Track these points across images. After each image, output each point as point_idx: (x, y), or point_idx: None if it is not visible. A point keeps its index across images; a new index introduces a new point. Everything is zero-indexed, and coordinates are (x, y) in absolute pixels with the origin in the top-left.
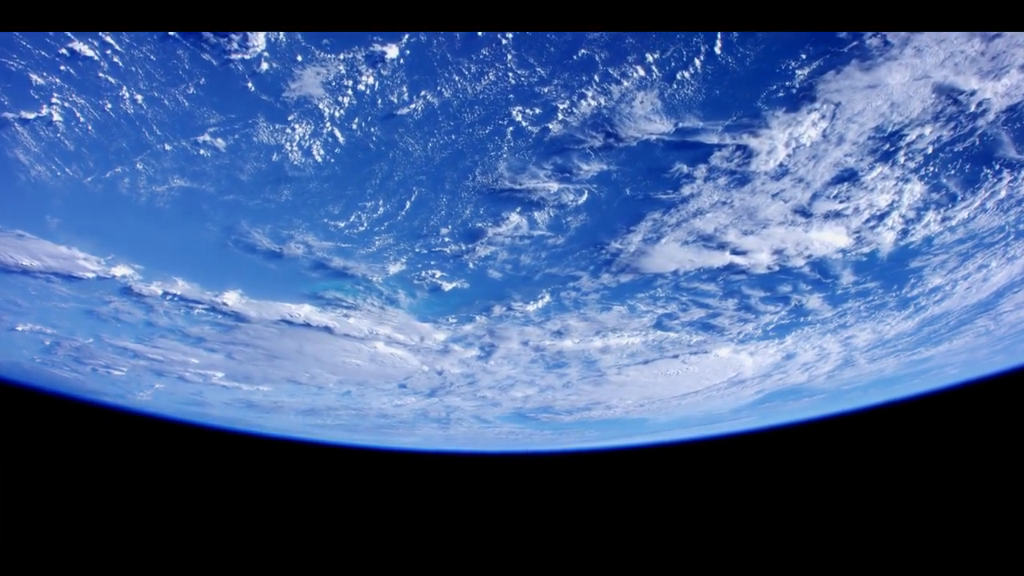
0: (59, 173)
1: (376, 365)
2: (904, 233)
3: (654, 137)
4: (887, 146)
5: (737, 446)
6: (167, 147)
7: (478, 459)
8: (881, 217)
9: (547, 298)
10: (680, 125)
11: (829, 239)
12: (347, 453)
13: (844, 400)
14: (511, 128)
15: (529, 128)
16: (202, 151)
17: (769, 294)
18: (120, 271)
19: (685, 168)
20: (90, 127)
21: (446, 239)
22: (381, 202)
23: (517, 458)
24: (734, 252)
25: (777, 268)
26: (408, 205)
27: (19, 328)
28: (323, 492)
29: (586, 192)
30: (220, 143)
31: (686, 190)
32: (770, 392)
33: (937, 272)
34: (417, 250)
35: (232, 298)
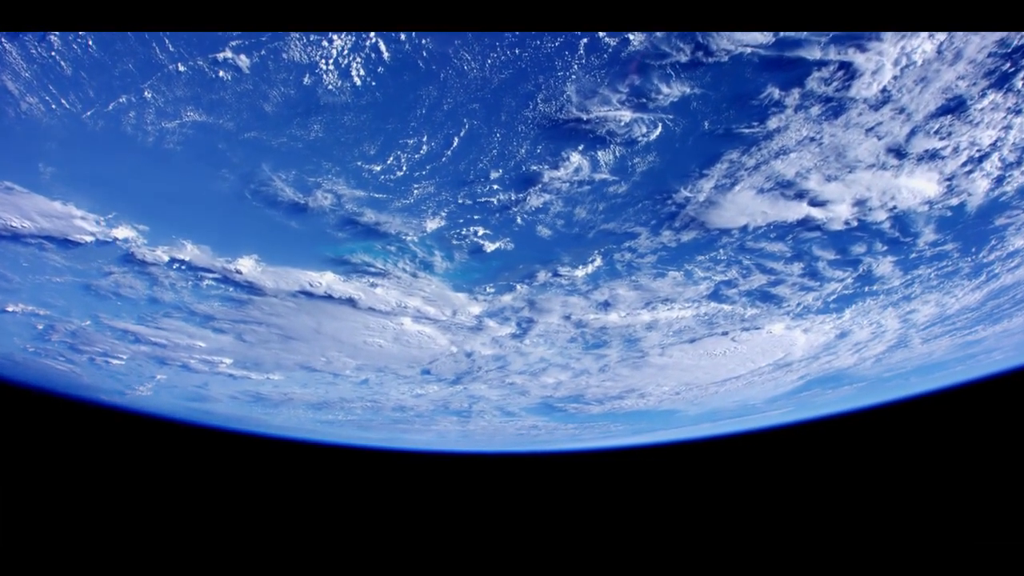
0: (54, 105)
1: (400, 346)
2: (999, 180)
3: (749, 50)
4: (1007, 65)
5: (767, 442)
6: (181, 68)
7: (493, 460)
8: (980, 159)
9: (598, 261)
10: (781, 33)
11: (919, 186)
12: (356, 454)
13: (884, 389)
14: (585, 39)
15: (606, 40)
16: (221, 72)
17: (839, 257)
18: (122, 233)
19: (776, 93)
20: (91, 42)
21: (495, 187)
22: (425, 138)
23: (534, 458)
24: (812, 203)
25: (855, 223)
26: (456, 142)
27: (9, 309)
28: (331, 497)
29: (660, 125)
30: (243, 61)
31: (773, 122)
32: (812, 378)
33: (1022, 232)
34: (460, 201)
35: (247, 265)
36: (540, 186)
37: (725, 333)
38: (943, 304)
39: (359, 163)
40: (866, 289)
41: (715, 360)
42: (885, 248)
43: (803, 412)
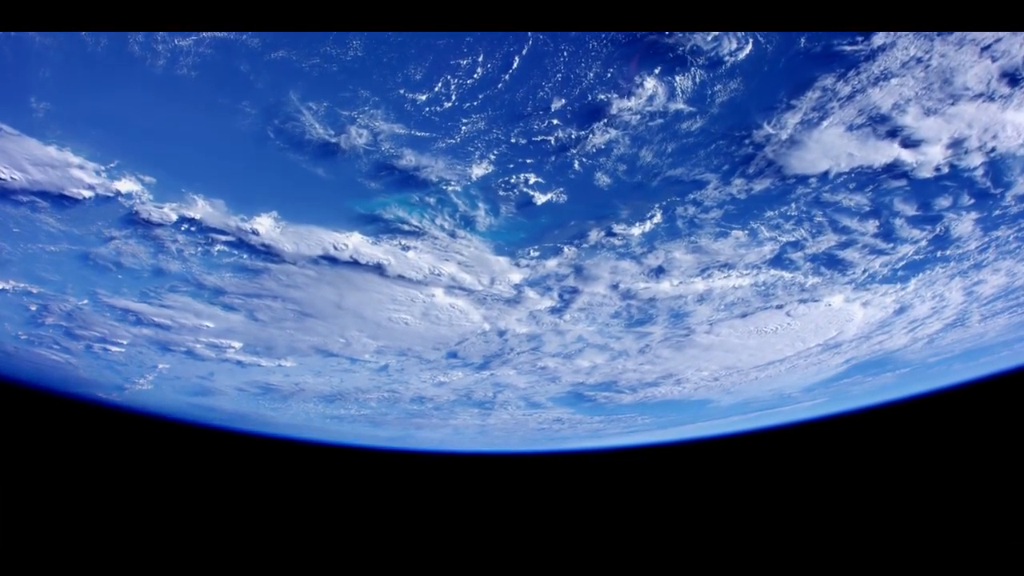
0: None
1: (428, 323)
2: None
3: None
4: None
5: (797, 438)
6: None
7: (509, 460)
8: None
9: (657, 217)
10: None
11: None
12: (366, 455)
13: (925, 376)
14: None
15: None
16: None
17: (920, 212)
18: (126, 186)
19: None
20: None
21: (554, 121)
22: (481, 58)
23: (552, 458)
24: (905, 143)
25: (947, 169)
26: (516, 63)
27: (0, 286)
28: (339, 503)
29: (751, 41)
30: None
31: (879, 38)
32: (857, 363)
33: None
34: (513, 140)
35: (265, 224)
36: (606, 120)
37: (780, 306)
38: (1013, 273)
39: (402, 91)
40: (938, 254)
41: (764, 339)
42: (971, 202)
43: (838, 403)
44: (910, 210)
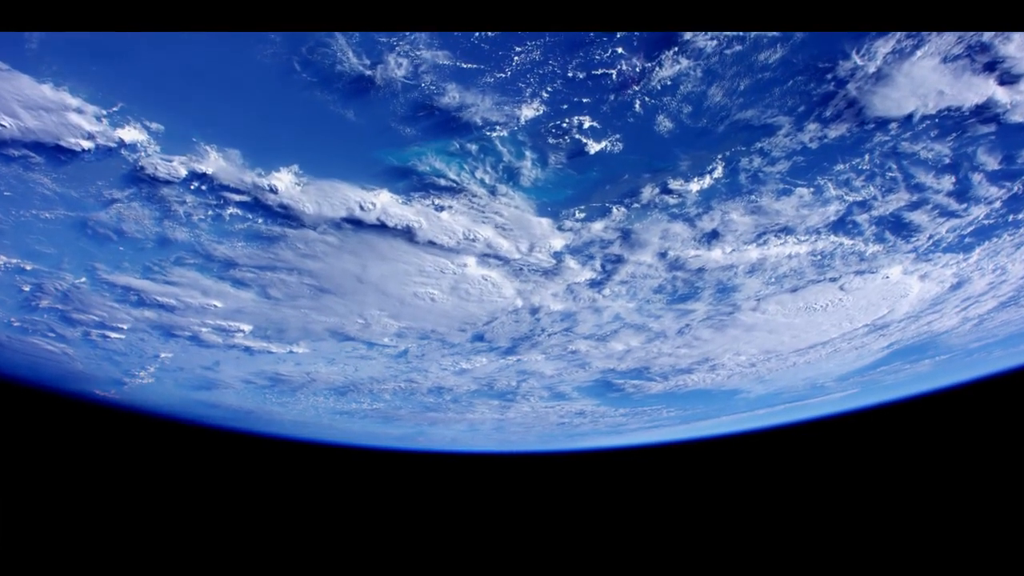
0: None
1: (457, 299)
2: None
3: None
4: None
5: (821, 434)
6: None
7: (525, 459)
8: None
9: (719, 171)
10: None
11: None
12: (375, 456)
13: (963, 365)
14: None
15: None
16: None
17: (1002, 166)
18: (130, 135)
19: None
20: None
21: (619, 50)
22: None
23: (567, 458)
24: (1003, 79)
25: None
26: None
27: None
28: (346, 509)
29: None
30: None
31: None
32: (900, 348)
33: None
34: (571, 73)
35: (284, 180)
36: (676, 49)
37: (834, 279)
38: None
39: None
40: (1010, 218)
41: (811, 317)
42: None
43: (870, 395)
44: (992, 163)
